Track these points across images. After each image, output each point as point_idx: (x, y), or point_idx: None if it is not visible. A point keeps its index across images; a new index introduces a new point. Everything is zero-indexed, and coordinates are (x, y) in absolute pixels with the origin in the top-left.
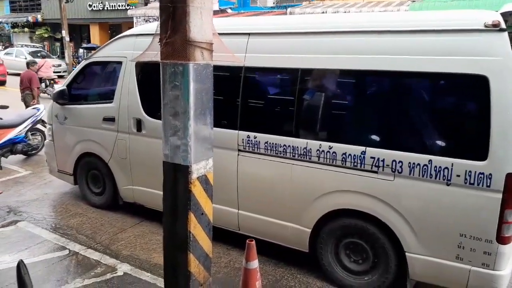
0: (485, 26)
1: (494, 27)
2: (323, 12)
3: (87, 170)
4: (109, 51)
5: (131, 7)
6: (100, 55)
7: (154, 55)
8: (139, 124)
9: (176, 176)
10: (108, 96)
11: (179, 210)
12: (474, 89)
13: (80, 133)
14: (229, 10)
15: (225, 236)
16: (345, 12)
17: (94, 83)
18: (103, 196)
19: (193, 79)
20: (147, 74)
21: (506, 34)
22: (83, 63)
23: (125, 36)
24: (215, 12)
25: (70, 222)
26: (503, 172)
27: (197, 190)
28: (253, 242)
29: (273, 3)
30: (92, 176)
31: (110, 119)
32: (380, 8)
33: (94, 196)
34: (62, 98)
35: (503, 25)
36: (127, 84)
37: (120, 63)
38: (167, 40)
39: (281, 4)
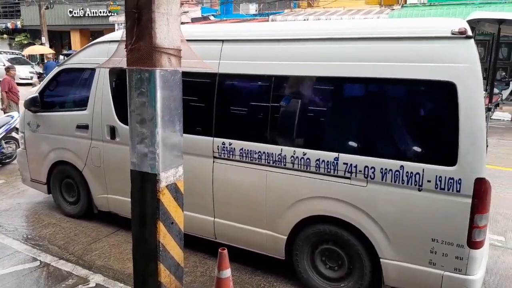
0: (452, 34)
1: (461, 35)
2: (304, 20)
3: (61, 179)
4: (82, 58)
5: (112, 14)
6: (73, 62)
7: (119, 62)
8: (113, 132)
9: (144, 184)
10: (81, 103)
11: (147, 219)
12: (442, 96)
13: (53, 141)
14: (211, 17)
15: (202, 245)
16: (326, 19)
17: (67, 90)
18: (77, 205)
19: (160, 85)
20: (121, 81)
21: (472, 41)
22: (56, 69)
23: (98, 43)
24: (198, 19)
25: (42, 232)
26: (472, 177)
27: (166, 199)
28: (225, 251)
29: (256, 10)
30: (66, 185)
31: (84, 127)
32: (361, 16)
33: (68, 205)
34: (34, 105)
35: (470, 33)
36: (101, 91)
37: (93, 69)
38: (132, 46)
39: (263, 12)
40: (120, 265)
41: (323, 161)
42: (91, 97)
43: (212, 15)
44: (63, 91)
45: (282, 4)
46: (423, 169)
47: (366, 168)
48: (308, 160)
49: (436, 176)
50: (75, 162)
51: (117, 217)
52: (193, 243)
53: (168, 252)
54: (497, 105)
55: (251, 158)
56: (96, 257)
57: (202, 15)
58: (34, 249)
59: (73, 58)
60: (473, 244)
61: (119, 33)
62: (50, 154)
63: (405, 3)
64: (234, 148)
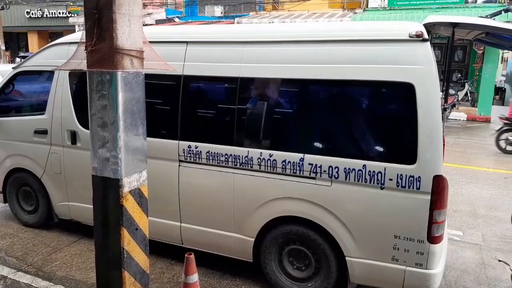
0: (410, 36)
1: (418, 37)
2: (270, 23)
3: (18, 186)
4: (40, 60)
5: (72, 15)
6: (30, 64)
7: (79, 64)
8: (73, 136)
9: (106, 190)
10: (39, 108)
11: (110, 226)
12: (402, 96)
13: (8, 147)
14: (176, 19)
15: (169, 251)
16: (291, 22)
17: (24, 94)
18: (36, 214)
19: (121, 87)
20: (82, 84)
21: (428, 44)
22: (12, 72)
23: (57, 44)
24: (162, 21)
25: None
26: (430, 175)
27: (130, 205)
28: (192, 256)
29: (221, 13)
30: (24, 193)
31: (42, 132)
32: (324, 19)
33: (26, 214)
34: None
35: (426, 36)
36: (60, 95)
37: (52, 72)
38: (93, 48)
39: (229, 14)
40: (82, 275)
41: (289, 162)
42: (49, 101)
43: (177, 17)
44: (20, 95)
45: (248, 7)
46: (385, 168)
47: (330, 168)
48: (274, 162)
49: (397, 174)
50: (33, 169)
51: (79, 225)
52: (159, 249)
53: (133, 259)
54: (453, 105)
55: (218, 161)
56: (56, 267)
57: (166, 17)
58: None
59: (30, 61)
60: (433, 239)
61: (79, 35)
62: (5, 161)
63: (367, 7)
64: (201, 151)
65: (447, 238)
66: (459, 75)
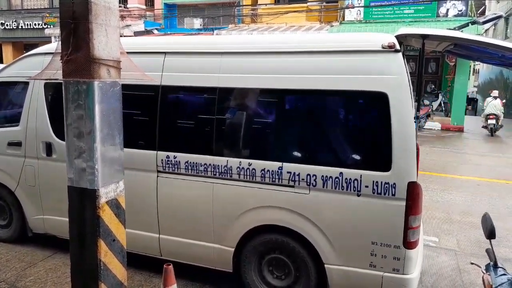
0: (382, 47)
1: (390, 48)
2: (248, 35)
3: None
4: (14, 71)
5: (48, 26)
6: (4, 75)
7: (54, 74)
8: (49, 148)
9: (82, 201)
10: (13, 119)
11: (87, 237)
12: (375, 105)
13: None
14: (155, 31)
15: (147, 263)
16: (269, 34)
17: None
18: (10, 228)
19: (98, 97)
20: (58, 94)
21: (400, 54)
22: None
23: (32, 55)
24: (141, 33)
25: None
26: (405, 181)
27: (107, 215)
28: (171, 267)
29: (200, 25)
30: None
31: (16, 144)
32: (302, 31)
33: None
34: None
35: (398, 47)
36: (35, 106)
37: (27, 83)
38: (68, 58)
39: (208, 27)
40: None
41: (268, 170)
42: (24, 112)
43: (156, 29)
44: None
45: (227, 19)
46: (361, 175)
47: (308, 176)
48: (253, 171)
49: (373, 181)
50: (7, 182)
51: (54, 240)
52: (137, 261)
53: (110, 271)
54: (428, 115)
55: (197, 171)
56: (31, 283)
57: (145, 29)
58: None
59: (4, 72)
60: (409, 244)
61: (55, 45)
62: None
63: (343, 20)
64: (179, 161)
65: (423, 243)
66: (433, 86)
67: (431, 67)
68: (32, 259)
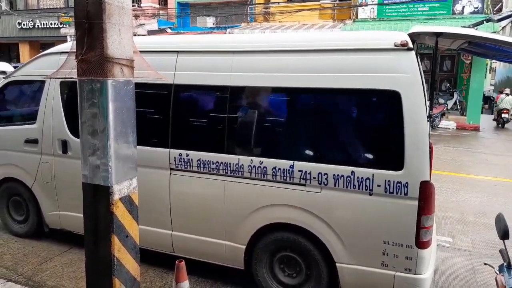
0: (395, 46)
1: (403, 47)
2: (261, 33)
3: (8, 196)
4: (31, 70)
5: (64, 26)
6: (21, 74)
7: (69, 72)
8: (64, 146)
9: (96, 197)
10: (30, 117)
11: (101, 233)
12: (388, 104)
13: None
14: (168, 30)
15: (160, 260)
16: (281, 33)
17: (14, 103)
18: (27, 223)
19: (111, 96)
20: (73, 93)
21: (413, 53)
22: (2, 82)
23: (48, 54)
24: (154, 32)
25: None
26: (417, 181)
27: (120, 212)
28: (183, 263)
29: (213, 24)
30: (14, 203)
31: (33, 141)
32: (315, 30)
33: (17, 224)
34: None
35: (411, 45)
36: (51, 104)
37: (43, 82)
38: (83, 57)
39: (221, 25)
40: (73, 284)
41: (279, 169)
42: (40, 110)
43: (169, 27)
44: (10, 104)
45: (239, 18)
46: (373, 174)
47: (320, 175)
48: (265, 169)
49: (385, 180)
50: (24, 178)
51: (70, 235)
52: (151, 257)
53: (124, 266)
54: (443, 114)
55: (209, 169)
56: (47, 277)
57: (159, 28)
58: None
59: (20, 70)
60: (421, 244)
61: (70, 44)
62: None
63: (357, 18)
64: (192, 159)
65: (437, 244)
66: (448, 84)
67: (446, 65)
68: (48, 254)
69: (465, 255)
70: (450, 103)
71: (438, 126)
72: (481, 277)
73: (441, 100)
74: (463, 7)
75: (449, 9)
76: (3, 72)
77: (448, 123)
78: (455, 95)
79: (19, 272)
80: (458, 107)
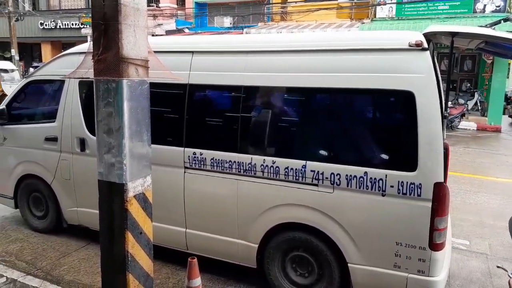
0: (409, 46)
1: (417, 47)
2: (278, 33)
3: (29, 192)
4: (51, 69)
5: (85, 26)
6: (41, 73)
7: (86, 72)
8: (82, 144)
9: (111, 194)
10: (50, 115)
11: (115, 229)
12: (402, 104)
13: (20, 154)
14: (186, 30)
15: (174, 256)
16: (299, 32)
17: (35, 102)
18: (46, 219)
19: (127, 95)
20: (91, 92)
21: (428, 53)
22: (24, 81)
23: (67, 54)
24: (172, 32)
25: (9, 248)
26: (431, 182)
27: (134, 209)
28: (195, 260)
29: (230, 23)
30: (34, 199)
31: (53, 139)
32: (332, 29)
33: (36, 219)
34: (1, 117)
35: (425, 45)
36: (70, 103)
37: (63, 81)
38: (99, 57)
39: (238, 25)
40: (90, 279)
41: (292, 169)
42: (60, 109)
43: (187, 27)
44: (31, 103)
45: (256, 17)
46: (386, 175)
47: (332, 175)
48: (277, 168)
49: (398, 181)
50: (44, 175)
51: (87, 231)
52: (165, 254)
53: (137, 262)
54: (463, 115)
55: (222, 168)
56: (65, 272)
57: (176, 28)
58: (0, 265)
59: (41, 70)
60: (434, 246)
61: (88, 45)
62: (17, 168)
63: (375, 17)
64: (205, 158)
65: (451, 246)
66: (468, 84)
67: (467, 64)
68: (67, 249)
69: (482, 259)
70: (470, 104)
71: (458, 127)
72: (498, 281)
73: (460, 101)
74: (485, 5)
75: (470, 8)
76: (4, 70)
77: (468, 124)
78: (476, 95)
79: (38, 267)
80: (479, 108)
